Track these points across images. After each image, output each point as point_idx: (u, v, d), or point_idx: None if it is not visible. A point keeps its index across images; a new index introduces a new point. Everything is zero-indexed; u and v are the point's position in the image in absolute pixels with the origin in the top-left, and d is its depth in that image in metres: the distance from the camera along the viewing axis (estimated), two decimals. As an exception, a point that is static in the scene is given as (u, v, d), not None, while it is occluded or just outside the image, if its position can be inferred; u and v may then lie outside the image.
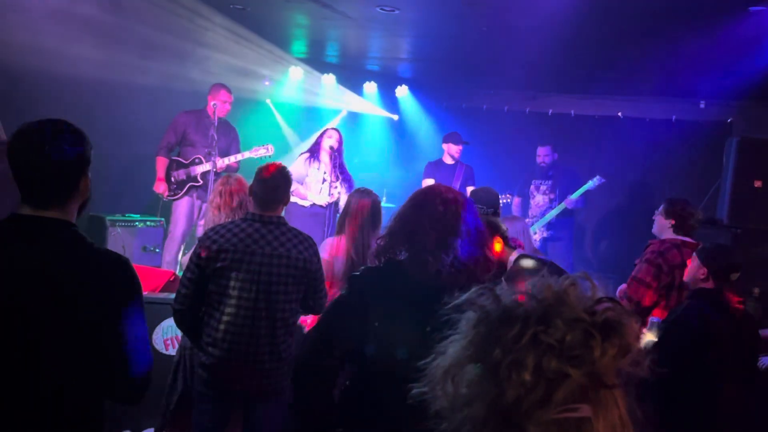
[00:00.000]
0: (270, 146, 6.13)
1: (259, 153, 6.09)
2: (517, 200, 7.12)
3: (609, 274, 7.53)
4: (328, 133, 6.20)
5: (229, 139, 6.18)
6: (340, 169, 6.12)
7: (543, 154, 7.03)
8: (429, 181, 6.77)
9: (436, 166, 7.02)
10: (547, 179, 6.99)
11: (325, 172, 6.14)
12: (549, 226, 6.80)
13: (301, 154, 6.33)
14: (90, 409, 1.82)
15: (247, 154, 6.09)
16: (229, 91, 6.18)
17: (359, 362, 2.03)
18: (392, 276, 2.10)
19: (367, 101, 9.02)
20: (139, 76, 6.56)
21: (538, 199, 7.02)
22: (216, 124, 5.94)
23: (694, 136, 7.19)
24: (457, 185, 6.71)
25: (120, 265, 1.83)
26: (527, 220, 6.64)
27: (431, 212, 2.07)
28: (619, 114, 7.86)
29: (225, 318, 3.02)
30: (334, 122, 8.47)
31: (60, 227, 1.78)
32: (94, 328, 1.74)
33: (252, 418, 3.20)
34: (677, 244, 3.97)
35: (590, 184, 6.61)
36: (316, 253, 3.19)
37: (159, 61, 6.61)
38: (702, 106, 7.32)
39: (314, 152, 6.20)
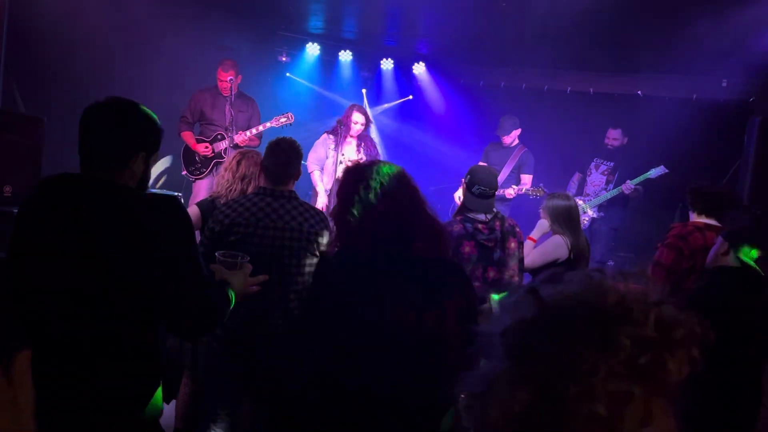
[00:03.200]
0: (290, 114, 6.09)
1: (280, 122, 6.05)
2: (577, 176, 7.07)
3: (627, 254, 7.50)
4: (354, 117, 6.06)
5: (248, 114, 6.18)
6: (366, 151, 6.08)
7: (612, 137, 6.90)
8: (481, 165, 6.79)
9: (493, 147, 7.00)
10: (610, 161, 6.92)
11: (343, 154, 6.10)
12: (601, 207, 6.73)
13: (325, 132, 6.24)
14: (148, 342, 1.88)
15: (268, 125, 6.07)
16: (227, 68, 6.07)
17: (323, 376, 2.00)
18: (343, 264, 2.07)
19: (384, 83, 8.98)
20: (158, 53, 6.60)
21: (595, 178, 6.95)
22: (232, 99, 5.95)
23: (715, 116, 7.08)
24: (509, 169, 6.69)
25: (168, 204, 1.86)
26: (579, 199, 6.53)
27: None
28: (639, 92, 7.75)
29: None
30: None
31: (104, 181, 1.83)
32: (145, 263, 1.78)
33: (268, 387, 3.24)
34: (700, 228, 3.88)
35: (652, 173, 6.45)
36: (327, 227, 3.21)
37: (179, 35, 6.63)
38: (724, 84, 7.19)
39: (336, 133, 6.11)
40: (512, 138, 6.82)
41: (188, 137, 6.14)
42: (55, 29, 5.72)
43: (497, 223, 3.57)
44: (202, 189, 6.09)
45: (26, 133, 4.50)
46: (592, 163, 7.01)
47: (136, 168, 1.88)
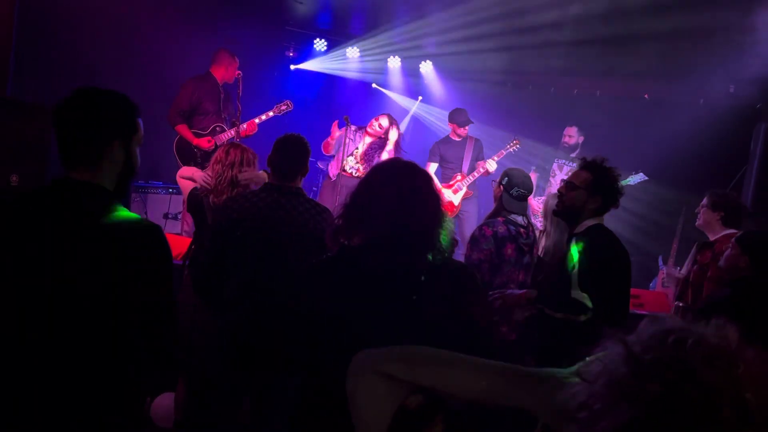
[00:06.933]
0: (289, 102, 6.15)
1: (281, 109, 6.12)
2: (534, 175, 6.97)
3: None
4: (381, 121, 6.20)
5: (232, 106, 6.14)
6: (368, 157, 6.16)
7: (569, 135, 6.90)
8: (432, 166, 6.72)
9: (444, 145, 6.87)
10: (571, 161, 6.87)
11: (357, 149, 6.19)
12: None
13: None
14: (111, 378, 1.77)
15: (271, 114, 6.11)
16: (233, 55, 6.09)
17: (312, 371, 1.89)
18: (343, 268, 1.91)
19: (391, 81, 8.96)
20: (166, 45, 6.60)
21: (560, 180, 6.86)
22: (222, 91, 5.97)
23: (722, 121, 7.06)
24: (467, 162, 6.66)
25: (148, 233, 1.80)
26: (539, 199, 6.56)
27: (388, 191, 1.87)
28: (646, 96, 7.73)
29: (244, 284, 3.05)
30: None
31: (89, 191, 1.77)
32: (112, 294, 1.70)
33: (269, 384, 3.25)
34: None
35: (631, 180, 6.41)
36: (333, 223, 3.20)
37: (187, 28, 6.63)
38: (731, 90, 7.17)
39: (361, 128, 6.24)
40: (467, 130, 6.74)
41: (185, 131, 5.87)
42: (63, 18, 5.72)
43: (531, 228, 3.70)
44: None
45: (32, 122, 4.50)
46: (555, 164, 6.94)
47: (114, 158, 1.81)
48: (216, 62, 6.04)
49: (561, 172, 6.88)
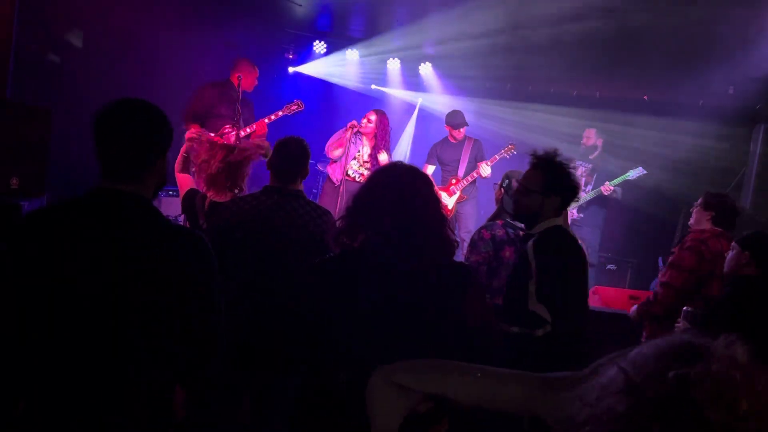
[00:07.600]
0: (299, 102, 6.19)
1: (291, 109, 6.16)
2: None
3: (628, 259, 7.50)
4: (368, 116, 6.28)
5: (249, 112, 6.20)
6: (374, 154, 6.20)
7: (587, 136, 7.01)
8: (430, 168, 6.73)
9: (441, 147, 6.87)
10: (587, 162, 6.92)
11: (359, 151, 6.21)
12: (580, 209, 6.76)
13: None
14: (164, 385, 1.82)
15: (280, 113, 6.15)
16: (253, 64, 6.19)
17: (312, 371, 1.92)
18: (343, 269, 1.95)
19: (391, 84, 8.97)
20: (165, 47, 6.61)
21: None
22: (240, 97, 6.01)
23: (721, 122, 7.07)
24: (464, 164, 6.67)
25: (196, 241, 1.85)
26: None
27: (390, 193, 1.92)
28: (645, 97, 7.74)
29: (244, 285, 3.06)
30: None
31: (137, 202, 1.78)
32: (170, 302, 1.75)
33: (267, 387, 3.25)
34: (717, 234, 3.91)
35: (630, 174, 6.53)
36: (334, 226, 3.21)
37: (186, 30, 6.65)
38: (731, 91, 7.18)
39: (354, 132, 6.27)
40: (463, 132, 6.75)
41: (196, 130, 5.92)
42: (63, 21, 5.73)
43: None
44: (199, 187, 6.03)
45: (32, 123, 4.49)
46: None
47: (159, 170, 1.86)
48: (236, 70, 6.12)
49: (577, 173, 6.92)
